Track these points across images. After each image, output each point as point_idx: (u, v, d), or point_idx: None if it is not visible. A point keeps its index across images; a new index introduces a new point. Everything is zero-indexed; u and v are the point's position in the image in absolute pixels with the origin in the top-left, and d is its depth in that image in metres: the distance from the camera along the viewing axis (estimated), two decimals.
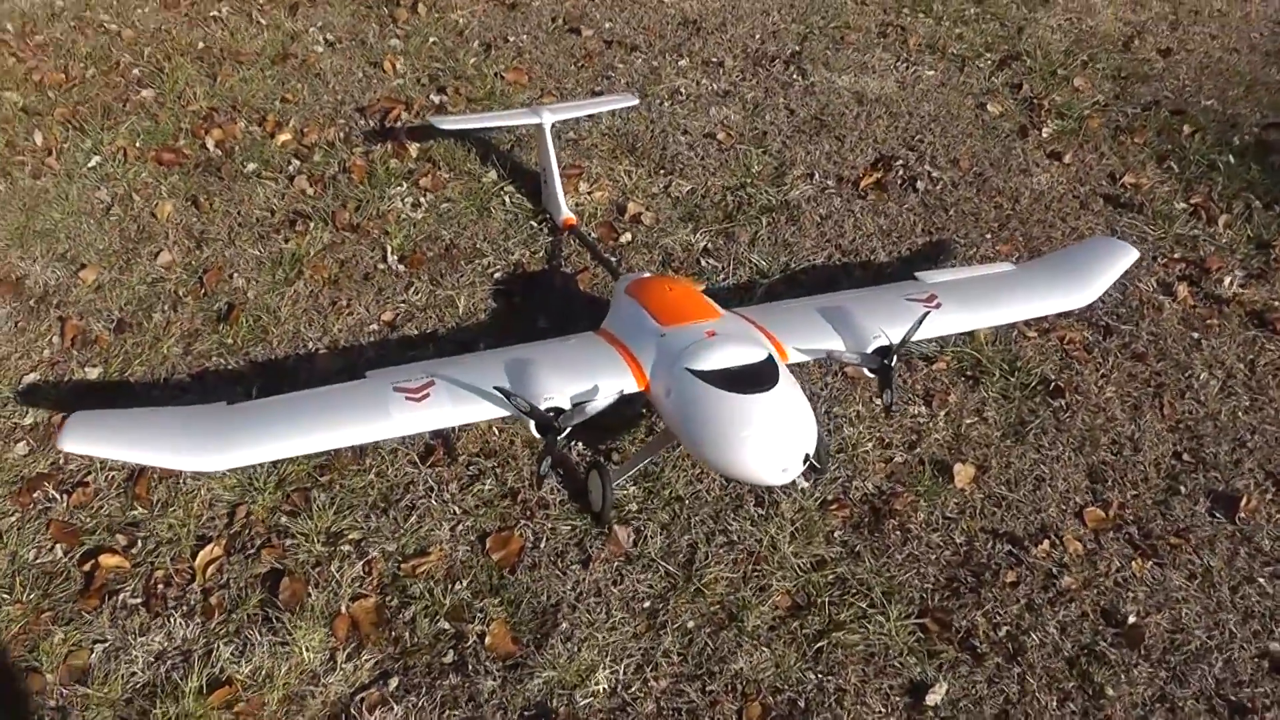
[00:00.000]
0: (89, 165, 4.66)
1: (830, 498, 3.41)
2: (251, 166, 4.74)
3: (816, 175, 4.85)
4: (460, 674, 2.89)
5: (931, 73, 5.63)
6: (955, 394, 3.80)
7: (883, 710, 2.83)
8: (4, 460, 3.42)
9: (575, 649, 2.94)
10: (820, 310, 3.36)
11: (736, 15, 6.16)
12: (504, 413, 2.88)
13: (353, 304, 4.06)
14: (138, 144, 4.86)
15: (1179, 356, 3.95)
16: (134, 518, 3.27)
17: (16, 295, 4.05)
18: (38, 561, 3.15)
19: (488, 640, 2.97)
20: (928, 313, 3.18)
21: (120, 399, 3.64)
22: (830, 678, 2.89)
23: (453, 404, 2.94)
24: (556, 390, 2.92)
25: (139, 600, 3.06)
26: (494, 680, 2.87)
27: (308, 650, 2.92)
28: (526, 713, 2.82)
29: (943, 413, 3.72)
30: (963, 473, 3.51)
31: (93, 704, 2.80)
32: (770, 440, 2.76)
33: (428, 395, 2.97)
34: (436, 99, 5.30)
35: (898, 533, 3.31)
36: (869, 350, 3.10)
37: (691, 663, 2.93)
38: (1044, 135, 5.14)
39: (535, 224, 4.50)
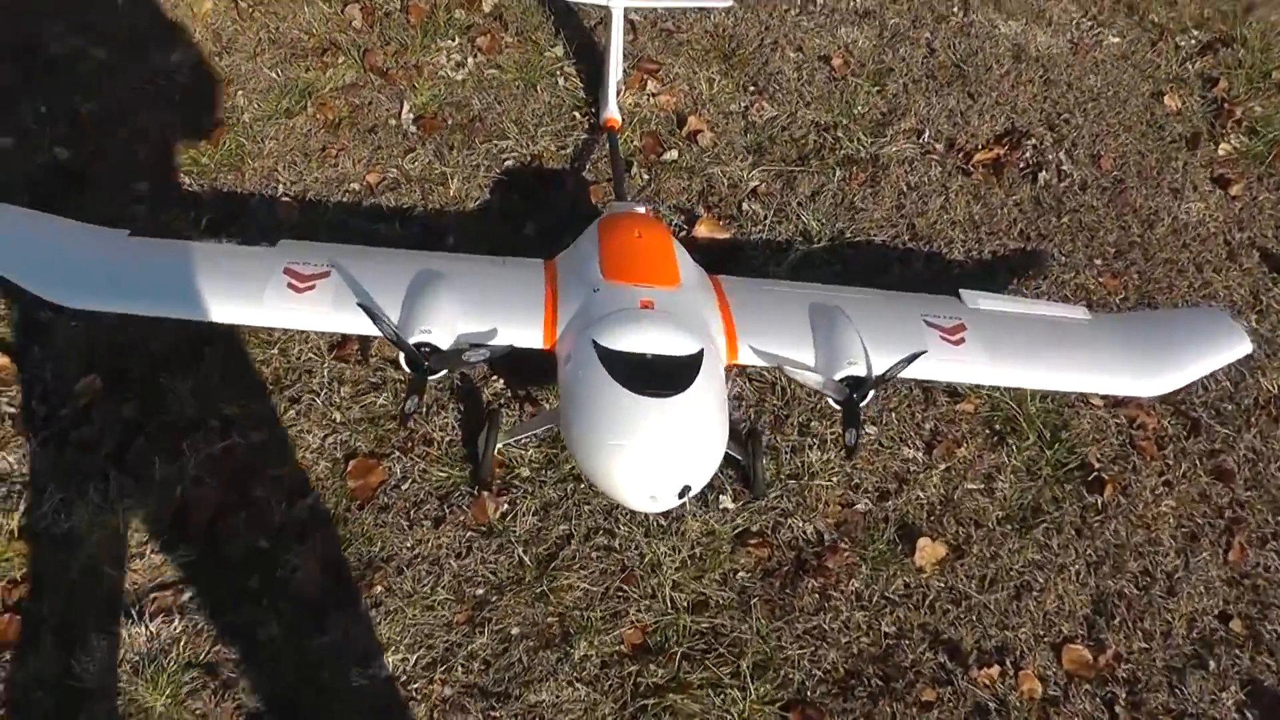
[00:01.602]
0: None
1: (753, 529, 2.87)
2: None
3: (927, 134, 4.05)
4: (253, 605, 2.59)
5: (1117, 39, 4.58)
6: (967, 448, 3.13)
7: None
8: None
9: (378, 619, 2.59)
10: (812, 306, 2.74)
11: None
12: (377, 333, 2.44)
13: (342, 155, 3.67)
14: None
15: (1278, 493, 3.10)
16: (44, 319, 3.06)
17: (32, 57, 3.85)
18: None
19: (297, 576, 2.64)
20: (920, 354, 2.52)
21: (75, 188, 3.41)
22: None
23: (333, 306, 2.56)
24: (442, 324, 2.49)
25: (12, 411, 2.88)
26: (279, 627, 2.55)
27: (126, 526, 2.67)
28: (296, 669, 2.50)
29: (942, 466, 3.07)
30: (929, 550, 2.90)
31: None
32: (647, 459, 2.24)
33: (312, 288, 2.60)
34: None
35: (814, 596, 2.77)
36: (836, 376, 2.49)
37: (493, 676, 2.53)
38: (1218, 152, 4.11)
39: (578, 115, 3.95)
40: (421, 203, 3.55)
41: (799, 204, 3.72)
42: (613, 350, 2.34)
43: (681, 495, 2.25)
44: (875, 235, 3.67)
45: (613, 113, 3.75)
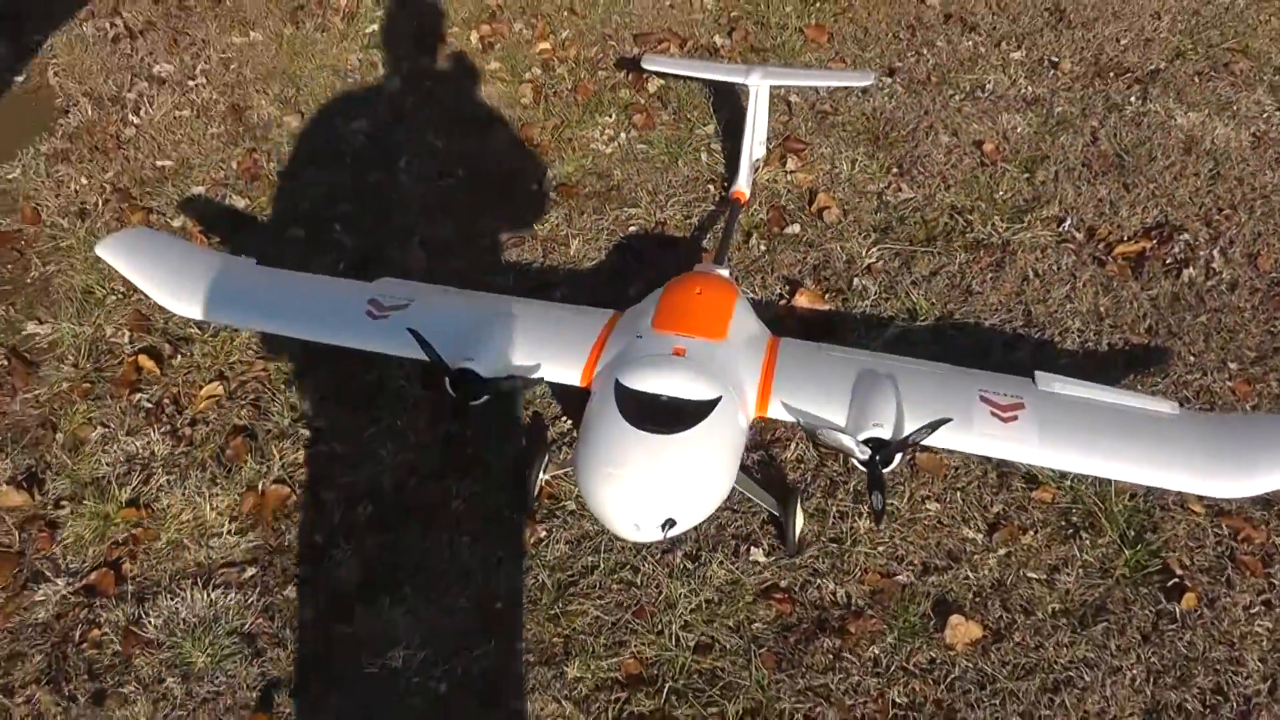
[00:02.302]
0: (366, 30, 5.03)
1: (781, 584, 2.84)
2: (493, 66, 4.83)
3: (1068, 222, 3.90)
4: (299, 592, 2.88)
5: None
6: (1034, 537, 2.95)
7: None
8: None
9: (399, 618, 2.79)
10: (862, 371, 2.75)
11: (1116, 11, 5.03)
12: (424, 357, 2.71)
13: (478, 214, 4.04)
14: (414, 24, 5.14)
15: None
16: (188, 334, 3.59)
17: (235, 120, 4.55)
18: (109, 339, 3.59)
19: (339, 571, 2.91)
20: (945, 421, 2.46)
21: (240, 231, 3.98)
22: None
23: (394, 333, 2.86)
24: (489, 355, 2.73)
25: (149, 405, 3.39)
26: (312, 612, 2.82)
27: (211, 509, 3.07)
28: (317, 652, 2.75)
29: (1002, 551, 2.92)
30: (962, 629, 2.75)
31: (64, 470, 3.18)
32: (634, 488, 2.36)
33: (386, 317, 2.93)
34: (718, 40, 4.99)
35: (828, 655, 2.70)
36: (861, 437, 2.49)
37: (488, 682, 2.66)
38: None
39: (712, 189, 4.14)
40: (541, 260, 3.84)
41: (913, 283, 3.69)
42: (630, 389, 2.48)
43: (665, 528, 2.32)
44: (985, 319, 3.56)
45: (742, 187, 3.91)
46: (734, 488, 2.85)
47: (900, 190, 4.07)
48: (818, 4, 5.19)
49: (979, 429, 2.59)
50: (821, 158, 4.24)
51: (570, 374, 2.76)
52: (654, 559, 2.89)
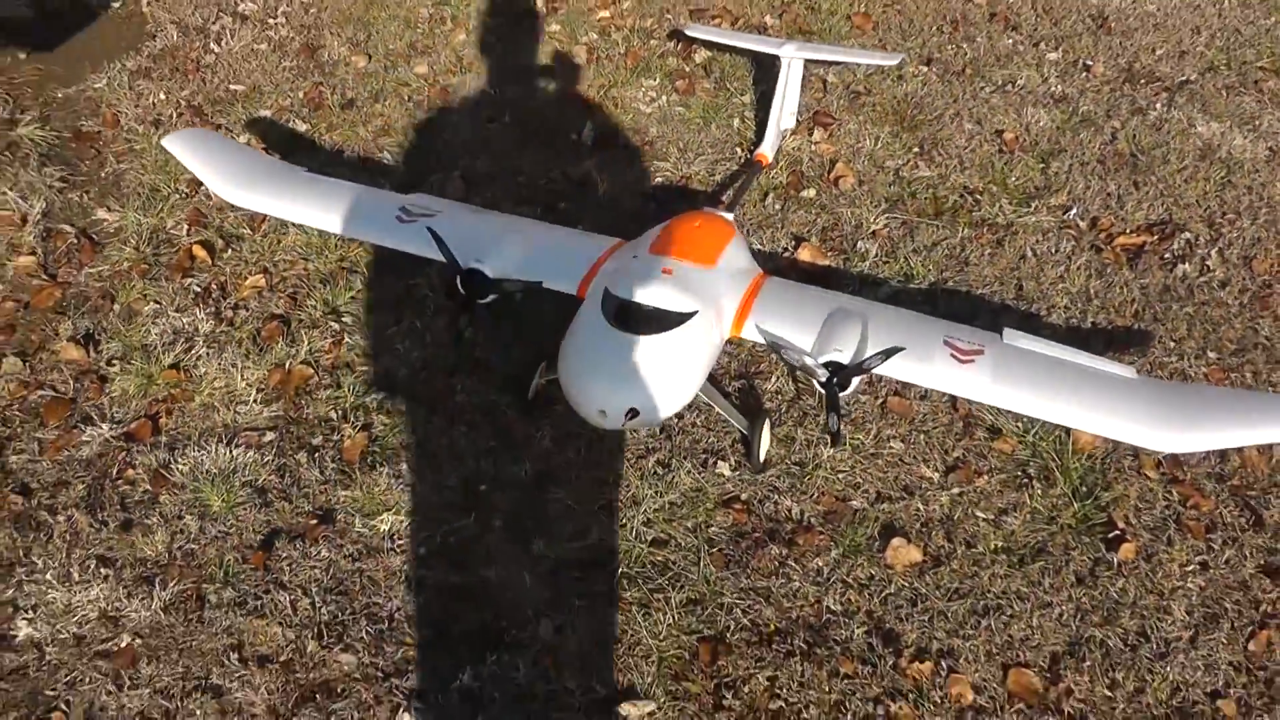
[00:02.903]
0: None
1: (741, 496, 3.08)
2: (553, 29, 5.13)
3: (1075, 210, 4.07)
4: (308, 456, 3.19)
5: None
6: (987, 482, 3.15)
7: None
8: None
9: (395, 486, 3.08)
10: (838, 309, 2.98)
11: (1158, 24, 5.17)
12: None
13: (520, 155, 4.34)
14: None
15: None
16: (239, 234, 3.95)
17: (308, 56, 4.92)
18: (168, 230, 3.96)
19: (346, 443, 3.22)
20: (898, 349, 2.68)
21: (298, 152, 4.33)
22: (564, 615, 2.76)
23: (415, 234, 3.16)
24: (497, 260, 3.00)
25: (198, 289, 3.74)
26: (320, 475, 3.13)
27: (242, 380, 3.40)
28: (319, 510, 3.05)
29: (955, 490, 3.12)
30: (903, 551, 2.96)
31: (118, 334, 3.55)
32: (605, 378, 2.63)
33: (414, 222, 3.23)
34: (768, 20, 5.24)
35: (773, 562, 2.93)
36: (821, 359, 2.72)
37: (460, 549, 2.94)
38: None
39: (739, 151, 4.39)
40: (571, 197, 4.12)
41: (913, 250, 3.89)
42: (616, 295, 2.74)
43: (629, 418, 2.58)
44: (978, 288, 3.75)
45: (765, 150, 4.15)
46: (707, 404, 3.11)
47: (917, 168, 4.28)
48: None
49: (937, 365, 2.79)
50: (847, 133, 4.45)
51: (569, 284, 3.03)
52: (630, 463, 3.14)
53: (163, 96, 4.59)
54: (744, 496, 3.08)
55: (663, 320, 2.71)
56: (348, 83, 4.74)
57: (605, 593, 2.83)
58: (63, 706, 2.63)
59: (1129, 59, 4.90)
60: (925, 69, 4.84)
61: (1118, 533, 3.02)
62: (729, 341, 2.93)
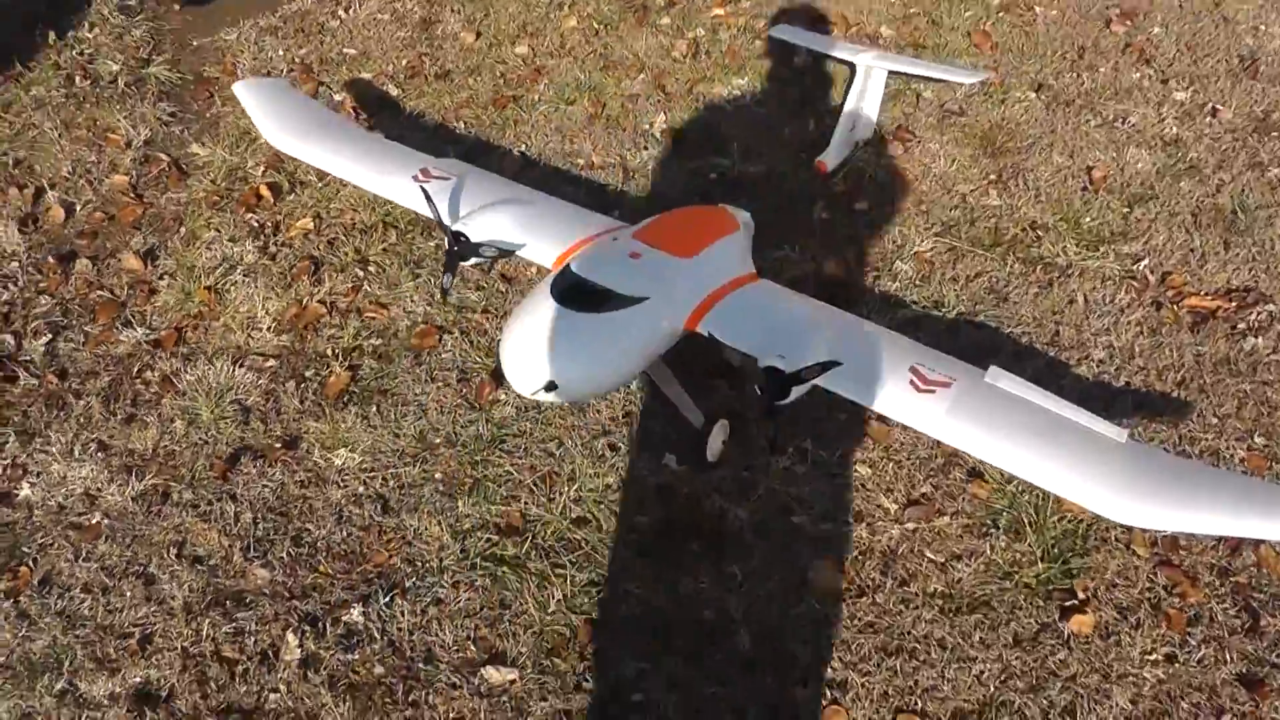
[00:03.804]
0: None
1: (683, 491, 3.04)
2: (664, 22, 5.17)
3: (1145, 262, 3.76)
4: (295, 384, 3.38)
5: None
6: (948, 523, 2.97)
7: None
8: None
9: (357, 426, 3.22)
10: (807, 318, 2.90)
11: None
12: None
13: (582, 138, 4.42)
14: None
15: None
16: (306, 180, 4.21)
17: (423, 29, 5.16)
18: (247, 169, 4.27)
19: (330, 379, 3.39)
20: (834, 364, 2.59)
21: (383, 112, 4.58)
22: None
23: (426, 189, 3.29)
24: (484, 226, 3.10)
25: (255, 224, 4.02)
26: (299, 404, 3.32)
27: (263, 309, 3.64)
28: (284, 438, 3.23)
29: (910, 525, 2.96)
30: (827, 576, 2.85)
31: (175, 253, 3.89)
32: (527, 347, 2.66)
33: (428, 181, 3.37)
34: (885, 31, 5.09)
35: (690, 559, 2.88)
36: (762, 365, 2.66)
37: (396, 495, 3.05)
38: None
39: (805, 155, 4.29)
40: (619, 184, 4.16)
41: (951, 278, 3.70)
42: (572, 271, 2.77)
43: (547, 389, 2.61)
44: (1008, 327, 3.53)
45: (826, 158, 4.06)
46: (665, 395, 3.08)
47: (987, 195, 4.06)
48: (1001, 13, 5.14)
49: (887, 389, 2.65)
50: (925, 151, 4.27)
51: (548, 256, 3.07)
52: (583, 440, 3.15)
53: (281, 53, 4.95)
54: (684, 491, 3.02)
55: (606, 301, 2.71)
56: (450, 56, 4.94)
57: (510, 559, 2.85)
58: (29, 564, 2.89)
59: (1267, 107, 4.46)
60: (1033, 95, 4.57)
61: (1076, 603, 2.77)
62: (688, 335, 2.88)
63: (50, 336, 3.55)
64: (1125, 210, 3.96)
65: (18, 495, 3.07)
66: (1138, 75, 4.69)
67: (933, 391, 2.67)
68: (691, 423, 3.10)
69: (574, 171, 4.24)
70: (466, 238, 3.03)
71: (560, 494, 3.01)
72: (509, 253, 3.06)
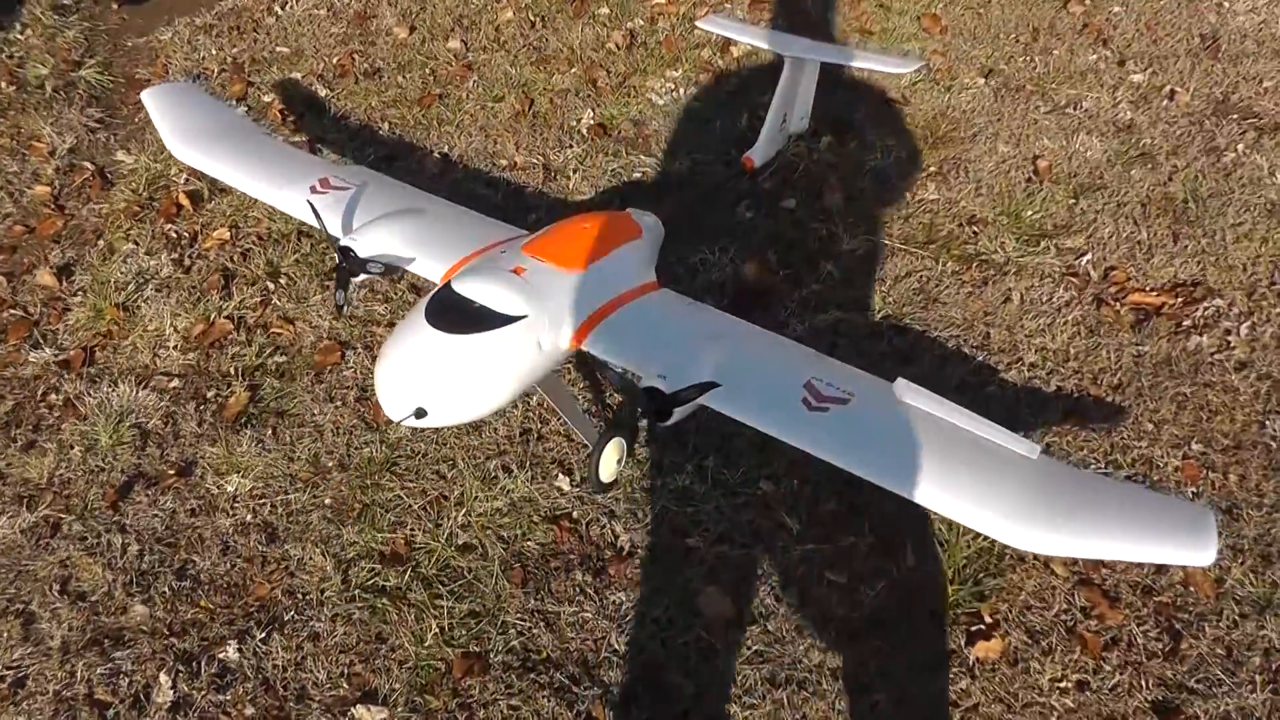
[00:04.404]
0: None
1: (573, 515, 2.93)
2: (603, 11, 5.02)
3: (1087, 257, 3.59)
4: (195, 406, 3.30)
5: None
6: (856, 542, 2.84)
7: None
8: None
9: (251, 450, 3.13)
10: (703, 331, 2.77)
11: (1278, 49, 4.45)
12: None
13: (506, 138, 4.29)
14: None
15: None
16: (225, 188, 4.08)
17: (358, 24, 5.05)
18: (170, 177, 4.17)
19: (229, 400, 3.30)
20: (711, 385, 2.46)
21: (309, 114, 4.48)
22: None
23: (323, 206, 3.18)
24: (373, 240, 2.98)
25: (174, 235, 3.91)
26: (193, 424, 3.24)
27: (171, 327, 3.55)
28: (175, 462, 3.15)
29: (810, 546, 2.84)
30: (715, 603, 2.73)
31: (91, 268, 3.79)
32: (396, 371, 2.55)
33: (325, 193, 3.25)
34: (829, 16, 4.91)
35: (574, 589, 2.77)
36: (642, 385, 2.53)
37: (283, 522, 2.96)
38: None
39: (735, 151, 4.14)
40: (539, 185, 4.03)
41: (879, 278, 3.55)
42: (450, 289, 2.65)
43: (418, 416, 2.49)
44: (936, 330, 3.38)
45: (753, 154, 3.89)
46: (556, 409, 2.96)
47: (925, 189, 3.89)
48: None
49: (777, 408, 2.52)
50: (863, 144, 4.10)
51: (436, 271, 2.95)
52: (476, 462, 3.05)
53: (214, 52, 4.85)
54: (575, 514, 2.91)
55: (480, 320, 2.58)
56: (382, 53, 4.82)
57: (391, 590, 2.76)
58: None
59: (1227, 89, 4.25)
60: (981, 81, 4.38)
61: (983, 628, 2.64)
62: (577, 353, 2.75)
63: None
64: (1071, 202, 3.78)
65: None
66: (1094, 57, 4.48)
67: (825, 409, 2.53)
68: (584, 440, 2.99)
69: (494, 173, 4.11)
70: (354, 253, 2.92)
71: (448, 519, 2.91)
72: (388, 270, 2.94)
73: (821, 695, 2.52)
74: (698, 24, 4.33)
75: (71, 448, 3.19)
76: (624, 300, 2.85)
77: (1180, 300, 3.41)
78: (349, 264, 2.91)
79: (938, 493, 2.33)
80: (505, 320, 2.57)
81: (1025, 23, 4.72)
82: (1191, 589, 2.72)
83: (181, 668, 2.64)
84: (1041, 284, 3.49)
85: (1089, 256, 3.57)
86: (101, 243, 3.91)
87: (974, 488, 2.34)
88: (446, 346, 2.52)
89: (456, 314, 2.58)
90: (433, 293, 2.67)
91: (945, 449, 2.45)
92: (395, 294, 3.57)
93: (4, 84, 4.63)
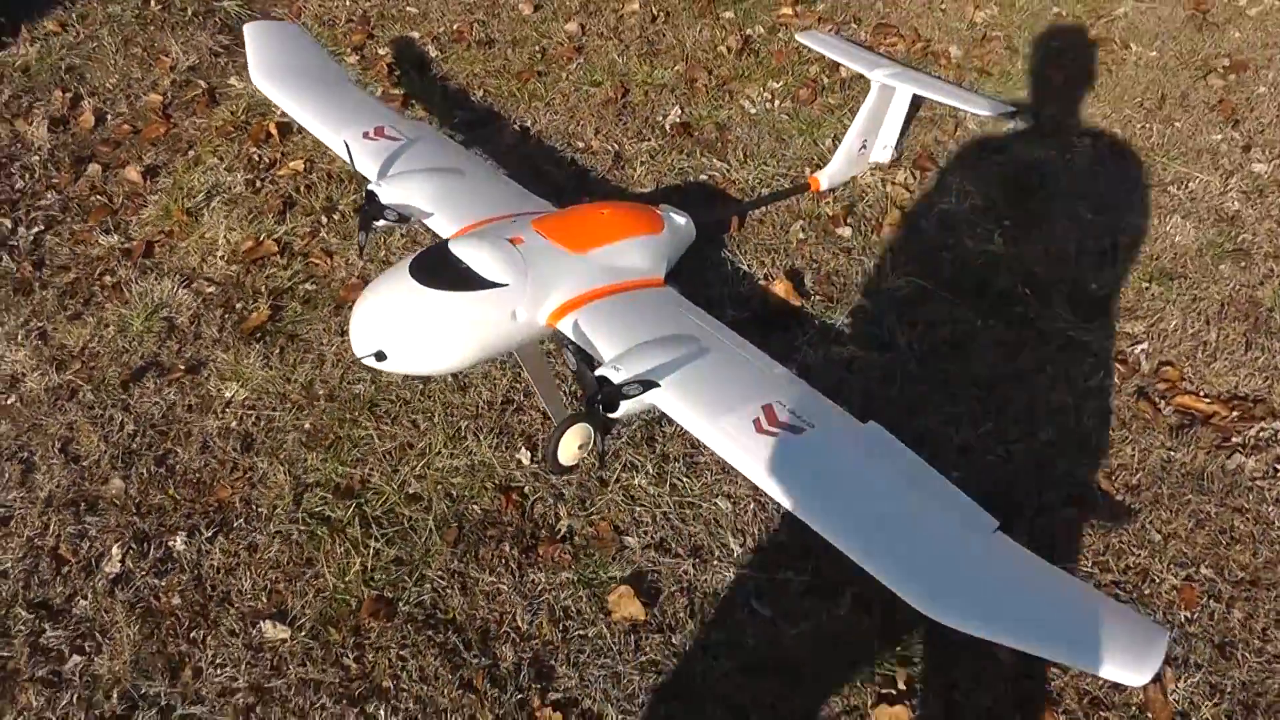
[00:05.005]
0: None
1: (524, 489, 2.95)
2: (727, 15, 4.99)
3: (1143, 347, 3.36)
4: (221, 313, 3.48)
5: None
6: (792, 577, 2.76)
7: None
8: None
9: (252, 361, 3.29)
10: (679, 334, 2.75)
11: None
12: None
13: (587, 123, 4.33)
14: None
15: None
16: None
17: (489, 1, 5.19)
18: (270, 106, 4.41)
19: (250, 314, 3.47)
20: (652, 384, 2.48)
21: (413, 73, 4.63)
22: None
23: (369, 151, 3.31)
24: (400, 190, 3.09)
25: (255, 157, 4.14)
26: (214, 328, 3.42)
27: (224, 239, 3.76)
28: (189, 358, 3.34)
29: (746, 571, 2.78)
30: (627, 604, 2.69)
31: (175, 173, 4.05)
32: (365, 312, 2.64)
33: (375, 140, 3.37)
34: (953, 50, 4.73)
35: (501, 560, 2.79)
36: (597, 372, 2.55)
37: (262, 437, 3.10)
38: None
39: (808, 170, 4.06)
40: (605, 171, 4.06)
41: (910, 321, 3.42)
42: (444, 247, 2.73)
43: (378, 359, 2.58)
44: (955, 386, 3.22)
45: (821, 175, 3.84)
46: (531, 384, 2.98)
47: (991, 240, 3.72)
48: (1092, 48, 4.69)
49: (725, 422, 2.48)
50: (938, 186, 3.96)
51: (448, 229, 3.03)
52: (450, 420, 3.10)
53: (347, 3, 5.07)
54: (526, 490, 2.93)
55: (459, 281, 2.64)
56: (502, 25, 4.94)
57: (333, 521, 2.84)
58: None
59: None
60: (1085, 140, 4.14)
61: (895, 692, 2.52)
62: (551, 330, 2.78)
63: (42, 228, 3.80)
64: (1144, 285, 3.54)
65: None
66: (1218, 137, 4.17)
67: (774, 434, 2.47)
68: (550, 417, 3.00)
69: (566, 153, 4.15)
70: (378, 198, 3.02)
71: (406, 467, 2.96)
72: (406, 219, 3.03)
73: (704, 718, 2.45)
74: (797, 37, 4.26)
75: (107, 326, 3.41)
76: (617, 290, 2.86)
77: (1235, 414, 3.14)
78: (371, 208, 3.01)
79: (853, 537, 2.24)
80: (483, 284, 2.62)
81: (1156, 88, 4.44)
82: (1148, 716, 2.52)
83: (134, 546, 2.79)
84: (1078, 362, 3.28)
85: (1145, 345, 3.33)
86: (192, 153, 4.16)
87: (898, 544, 2.25)
88: (419, 299, 2.59)
89: (440, 271, 2.64)
90: (427, 248, 2.74)
91: (883, 499, 2.36)
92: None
93: (153, 3, 4.97)
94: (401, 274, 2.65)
